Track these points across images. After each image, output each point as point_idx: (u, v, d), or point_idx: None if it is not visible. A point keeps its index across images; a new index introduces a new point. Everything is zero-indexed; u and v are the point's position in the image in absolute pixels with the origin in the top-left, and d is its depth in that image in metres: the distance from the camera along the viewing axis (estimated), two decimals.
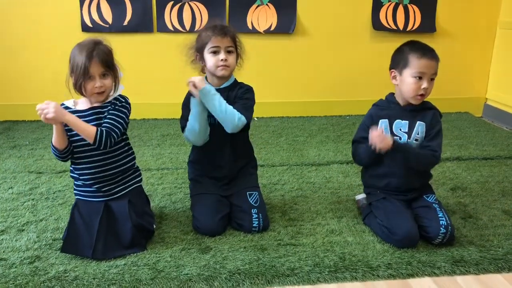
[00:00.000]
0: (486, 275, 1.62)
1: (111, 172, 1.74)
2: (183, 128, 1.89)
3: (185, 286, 1.52)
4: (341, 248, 1.75)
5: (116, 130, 1.67)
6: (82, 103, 1.73)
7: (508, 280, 1.60)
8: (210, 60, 1.84)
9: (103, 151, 1.70)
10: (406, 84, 1.79)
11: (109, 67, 1.67)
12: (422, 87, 1.77)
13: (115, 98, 1.73)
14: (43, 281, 1.53)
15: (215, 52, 1.83)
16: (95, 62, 1.63)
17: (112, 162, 1.74)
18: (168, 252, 1.70)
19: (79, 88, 1.66)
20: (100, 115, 1.70)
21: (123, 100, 1.74)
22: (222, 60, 1.82)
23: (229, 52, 1.84)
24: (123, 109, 1.72)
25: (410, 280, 1.59)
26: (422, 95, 1.79)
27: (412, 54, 1.78)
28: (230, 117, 1.79)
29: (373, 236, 1.83)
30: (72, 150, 1.71)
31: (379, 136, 1.74)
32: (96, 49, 1.64)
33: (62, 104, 1.71)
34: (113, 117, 1.69)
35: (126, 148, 1.80)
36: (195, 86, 1.79)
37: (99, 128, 1.64)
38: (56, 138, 1.65)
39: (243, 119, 1.81)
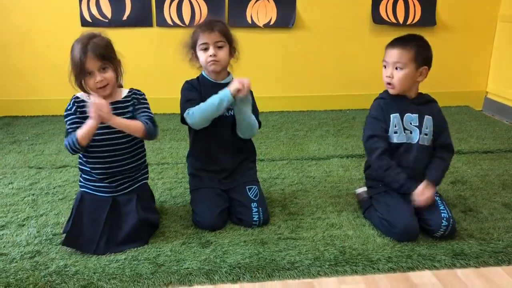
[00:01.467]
0: (486, 268, 1.62)
1: (124, 168, 1.74)
2: (184, 109, 1.83)
3: (185, 280, 1.53)
4: (341, 241, 1.75)
5: (154, 120, 1.74)
6: (96, 98, 1.69)
7: (508, 273, 1.60)
8: (201, 56, 1.85)
9: (120, 147, 1.71)
10: None
11: (107, 59, 1.65)
12: (385, 75, 1.81)
13: (133, 92, 1.75)
14: (44, 276, 1.53)
15: (205, 49, 1.83)
16: (90, 57, 1.60)
17: (127, 158, 1.74)
18: (169, 247, 1.70)
19: (80, 85, 1.66)
20: (123, 110, 1.70)
21: (142, 93, 1.80)
22: (210, 55, 1.82)
23: (219, 47, 1.83)
24: (147, 101, 1.78)
25: (410, 273, 1.59)
26: (388, 83, 1.82)
27: (386, 46, 1.85)
28: (253, 125, 1.86)
29: (373, 230, 1.83)
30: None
31: (426, 199, 1.77)
32: (90, 43, 1.61)
33: (77, 98, 1.70)
34: (145, 109, 1.75)
35: (140, 144, 1.80)
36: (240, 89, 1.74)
37: (145, 122, 1.69)
38: (86, 135, 1.61)
39: (258, 127, 1.89)
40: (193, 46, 1.87)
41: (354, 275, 1.57)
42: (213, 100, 1.77)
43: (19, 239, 1.76)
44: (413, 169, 1.83)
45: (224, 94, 1.75)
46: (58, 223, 1.87)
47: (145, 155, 1.85)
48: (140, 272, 1.55)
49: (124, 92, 1.76)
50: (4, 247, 1.71)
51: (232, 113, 1.87)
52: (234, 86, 1.74)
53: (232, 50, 1.89)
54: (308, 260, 1.63)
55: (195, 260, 1.62)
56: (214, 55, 1.82)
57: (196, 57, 1.88)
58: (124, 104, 1.72)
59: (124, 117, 1.69)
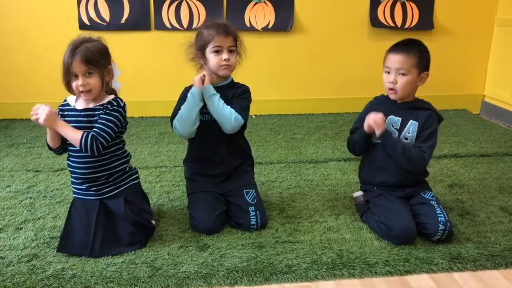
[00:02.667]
0: (483, 272, 1.62)
1: (99, 174, 1.71)
2: (172, 118, 1.87)
3: (183, 284, 1.52)
4: (338, 245, 1.75)
5: (105, 135, 1.64)
6: (80, 102, 1.71)
7: (505, 276, 1.60)
8: (212, 59, 1.83)
9: (86, 154, 1.66)
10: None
11: (94, 65, 1.62)
12: (388, 81, 1.81)
13: (109, 102, 1.69)
14: (41, 279, 1.53)
15: (217, 52, 1.82)
16: (76, 60, 1.60)
17: (101, 165, 1.71)
18: (166, 250, 1.70)
19: (67, 86, 1.66)
20: (91, 118, 1.67)
21: (116, 104, 1.69)
22: (225, 60, 1.82)
23: (231, 51, 1.84)
24: (114, 113, 1.67)
25: (408, 276, 1.59)
26: (391, 89, 1.82)
27: (387, 51, 1.85)
28: (227, 116, 1.80)
29: (370, 233, 1.83)
30: (66, 147, 1.73)
31: (376, 118, 1.78)
32: (81, 47, 1.61)
33: (65, 100, 1.74)
34: (103, 121, 1.65)
35: (118, 152, 1.76)
36: (202, 80, 1.82)
37: (84, 134, 1.62)
38: (48, 138, 1.70)
39: (240, 119, 1.82)
40: (201, 47, 1.85)
41: (352, 279, 1.57)
42: (187, 101, 1.83)
43: (16, 243, 1.75)
44: (394, 170, 1.85)
45: (191, 91, 1.83)
46: (56, 227, 1.87)
47: (125, 162, 1.79)
48: (137, 276, 1.55)
49: (106, 99, 1.71)
50: (1, 250, 1.71)
51: None
52: (196, 79, 1.83)
53: (238, 56, 1.90)
54: (306, 263, 1.63)
55: (193, 264, 1.62)
56: (228, 60, 1.82)
57: (201, 58, 1.87)
58: (95, 112, 1.68)
59: (90, 125, 1.67)
